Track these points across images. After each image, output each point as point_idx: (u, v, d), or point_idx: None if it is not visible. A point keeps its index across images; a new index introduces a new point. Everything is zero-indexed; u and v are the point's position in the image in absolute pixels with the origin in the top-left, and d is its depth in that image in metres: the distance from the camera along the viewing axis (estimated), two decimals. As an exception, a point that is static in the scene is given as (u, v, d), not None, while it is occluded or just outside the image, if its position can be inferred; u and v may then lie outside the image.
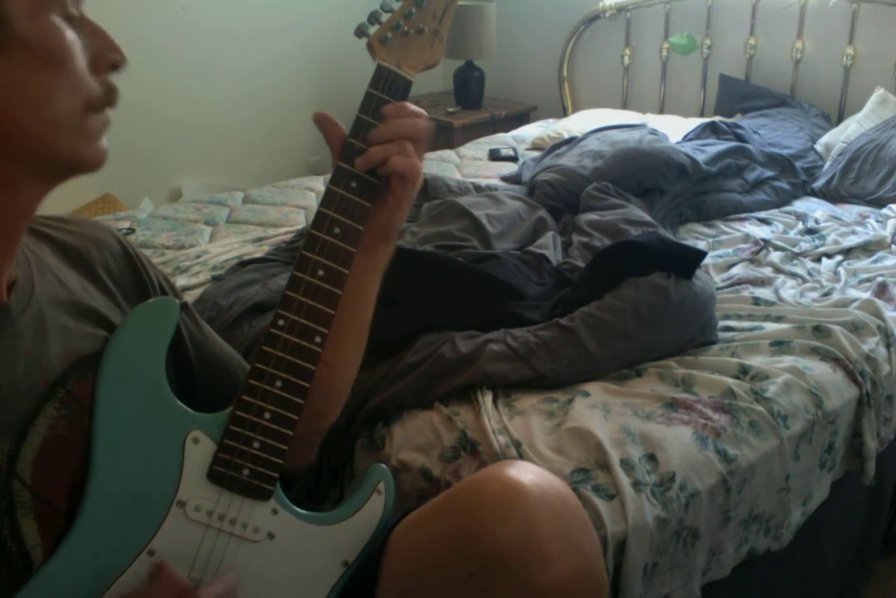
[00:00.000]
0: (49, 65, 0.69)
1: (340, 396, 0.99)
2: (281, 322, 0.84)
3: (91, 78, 0.72)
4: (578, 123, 3.15)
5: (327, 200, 0.85)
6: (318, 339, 0.85)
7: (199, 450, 0.82)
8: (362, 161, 0.85)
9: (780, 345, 1.57)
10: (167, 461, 0.81)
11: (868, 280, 1.89)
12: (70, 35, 0.70)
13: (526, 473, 0.89)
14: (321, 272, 0.85)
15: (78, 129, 0.72)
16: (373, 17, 0.87)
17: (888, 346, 1.64)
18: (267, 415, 0.84)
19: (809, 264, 2.00)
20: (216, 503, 0.83)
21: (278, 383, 0.84)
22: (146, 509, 0.81)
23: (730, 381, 1.44)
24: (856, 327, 1.64)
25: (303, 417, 0.94)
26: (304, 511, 0.87)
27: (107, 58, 0.74)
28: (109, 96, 0.74)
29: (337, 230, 0.85)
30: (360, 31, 0.87)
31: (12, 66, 0.67)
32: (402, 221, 0.92)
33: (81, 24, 0.72)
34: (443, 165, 2.91)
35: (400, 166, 0.85)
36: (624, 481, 1.21)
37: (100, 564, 0.78)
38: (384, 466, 0.92)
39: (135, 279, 0.92)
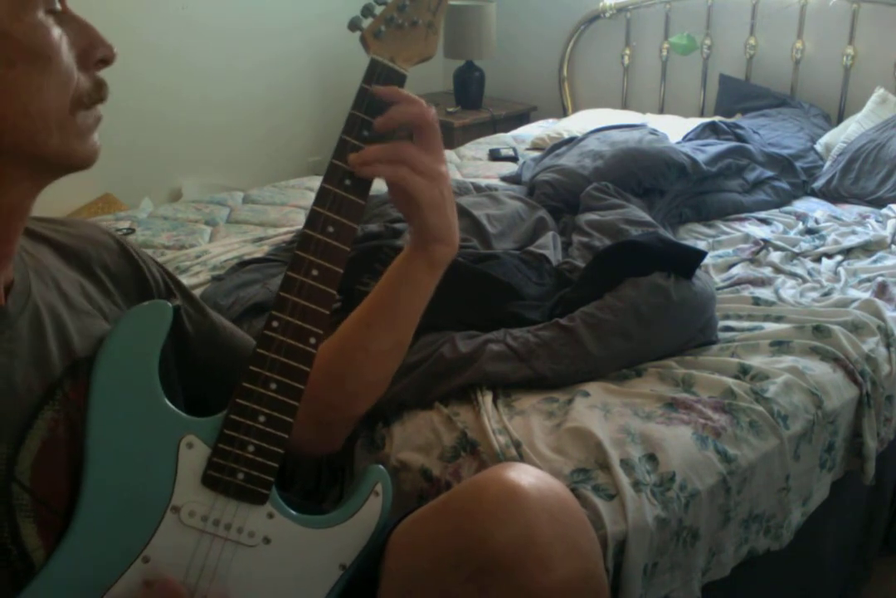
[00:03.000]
0: (35, 62, 0.69)
1: (374, 387, 0.98)
2: (275, 324, 0.83)
3: (79, 74, 0.72)
4: (578, 123, 3.15)
5: (320, 198, 0.84)
6: (312, 340, 0.84)
7: (193, 455, 0.81)
8: (355, 158, 0.84)
9: (780, 345, 1.57)
10: (161, 467, 0.81)
11: (868, 280, 1.89)
12: (56, 31, 0.70)
13: (525, 475, 0.89)
14: (315, 272, 0.84)
15: (67, 125, 0.71)
16: (366, 10, 0.86)
17: (888, 346, 1.64)
18: (262, 418, 0.83)
19: (809, 264, 1.99)
20: (211, 508, 0.82)
21: (273, 386, 0.83)
22: (140, 515, 0.80)
23: (730, 381, 1.44)
24: (856, 327, 1.64)
25: (335, 402, 0.94)
26: (300, 515, 0.87)
27: (95, 53, 0.73)
28: (99, 92, 0.74)
29: (331, 229, 0.84)
30: (353, 25, 0.86)
31: None
32: (447, 221, 0.89)
33: (66, 19, 0.72)
34: (443, 165, 2.91)
35: (384, 173, 0.84)
36: (624, 481, 1.21)
37: (94, 571, 0.78)
38: (381, 467, 0.91)
39: (135, 278, 0.91)
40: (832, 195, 2.51)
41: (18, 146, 0.70)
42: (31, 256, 0.81)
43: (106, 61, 0.74)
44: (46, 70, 0.69)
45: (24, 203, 0.75)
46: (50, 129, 0.70)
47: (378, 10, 0.86)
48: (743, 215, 2.32)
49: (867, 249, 2.08)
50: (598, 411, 1.36)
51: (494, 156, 2.98)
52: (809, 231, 2.20)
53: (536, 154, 2.78)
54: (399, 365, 0.98)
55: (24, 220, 0.77)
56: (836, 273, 1.95)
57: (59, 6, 0.71)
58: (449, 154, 3.06)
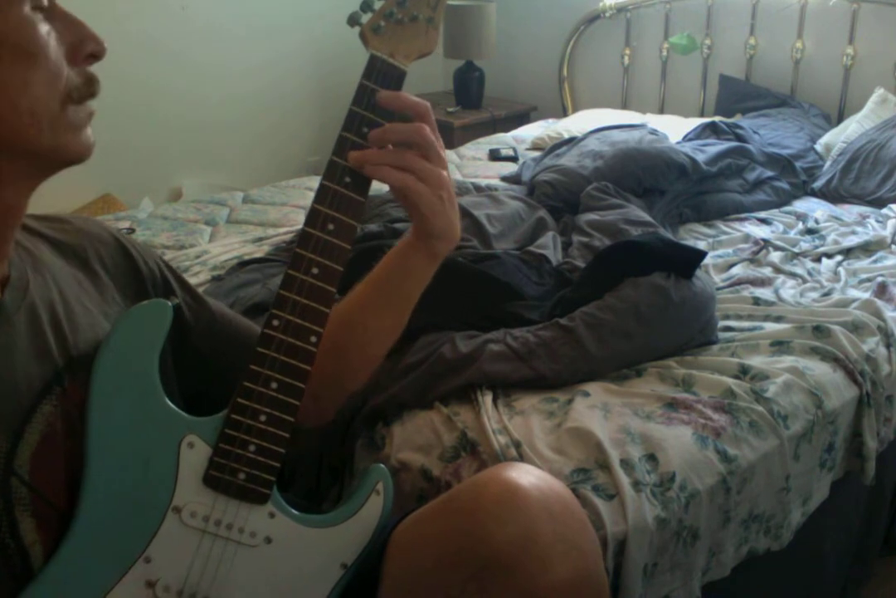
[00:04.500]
0: (22, 58, 0.69)
1: (368, 365, 1.00)
2: (275, 322, 0.83)
3: (69, 69, 0.72)
4: (578, 123, 3.15)
5: (320, 196, 0.84)
6: (313, 338, 0.84)
7: (194, 455, 0.81)
8: (356, 157, 0.83)
9: (780, 345, 1.57)
10: (162, 467, 0.80)
11: (868, 280, 1.89)
12: (43, 27, 0.70)
13: (526, 475, 0.89)
14: (315, 270, 0.83)
15: (58, 121, 0.72)
16: (365, 6, 0.85)
17: (888, 346, 1.64)
18: (262, 418, 0.83)
19: (809, 264, 1.99)
20: (212, 508, 0.82)
21: (273, 385, 0.83)
22: (142, 515, 0.80)
23: (730, 381, 1.44)
24: (856, 327, 1.64)
25: (328, 376, 0.94)
26: (301, 514, 0.87)
27: (84, 48, 0.73)
28: (90, 87, 0.74)
29: (331, 227, 0.84)
30: (352, 20, 0.85)
31: None
32: (448, 221, 0.90)
33: (54, 15, 0.72)
34: (443, 165, 2.91)
35: (389, 178, 0.84)
36: (624, 481, 1.21)
37: (96, 571, 0.78)
38: (382, 466, 0.91)
39: (130, 272, 0.91)
40: (832, 195, 2.51)
41: (10, 142, 0.70)
42: (29, 253, 0.82)
43: (96, 56, 0.74)
44: (34, 66, 0.70)
45: (20, 201, 0.76)
46: (41, 124, 0.71)
47: (377, 5, 0.85)
48: (743, 215, 2.32)
49: (867, 249, 2.08)
50: (598, 411, 1.36)
51: (494, 156, 2.98)
52: (809, 231, 2.20)
53: (536, 154, 2.78)
54: (396, 340, 0.99)
55: (20, 217, 0.77)
56: (836, 273, 1.95)
57: (45, 2, 0.71)
58: (449, 154, 3.05)
